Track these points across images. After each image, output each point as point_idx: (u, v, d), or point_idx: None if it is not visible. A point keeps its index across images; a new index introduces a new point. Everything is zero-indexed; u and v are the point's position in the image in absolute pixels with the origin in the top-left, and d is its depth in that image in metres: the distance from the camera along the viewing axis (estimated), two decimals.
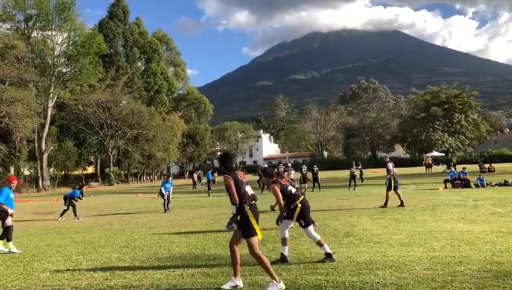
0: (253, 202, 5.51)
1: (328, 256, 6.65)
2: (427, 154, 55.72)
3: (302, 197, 7.07)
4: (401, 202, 13.72)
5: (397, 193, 13.97)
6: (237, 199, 5.34)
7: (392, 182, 13.94)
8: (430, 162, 45.38)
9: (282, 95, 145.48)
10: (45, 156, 50.34)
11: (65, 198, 15.75)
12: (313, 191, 24.45)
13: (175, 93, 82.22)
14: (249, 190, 5.57)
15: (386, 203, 13.95)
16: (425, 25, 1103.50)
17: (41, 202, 25.57)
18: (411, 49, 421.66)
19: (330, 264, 6.44)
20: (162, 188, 17.05)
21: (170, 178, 18.12)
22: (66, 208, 15.50)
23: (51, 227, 13.39)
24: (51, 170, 57.45)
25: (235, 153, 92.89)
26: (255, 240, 5.40)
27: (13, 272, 6.96)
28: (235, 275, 5.49)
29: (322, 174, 27.18)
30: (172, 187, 17.58)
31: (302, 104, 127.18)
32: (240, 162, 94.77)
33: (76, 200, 15.88)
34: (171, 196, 17.27)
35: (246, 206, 5.38)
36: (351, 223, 10.66)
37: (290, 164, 25.36)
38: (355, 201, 17.06)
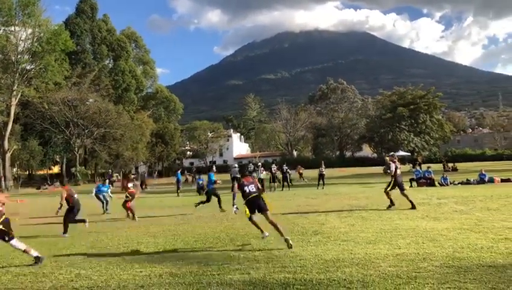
0: (251, 196, 8.26)
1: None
2: (392, 154, 56.89)
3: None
4: (412, 203, 12.51)
5: (404, 195, 12.80)
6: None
7: (392, 183, 12.82)
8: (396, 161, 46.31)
9: (253, 94, 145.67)
10: (8, 155, 48.77)
11: None
12: (282, 190, 24.63)
13: (143, 91, 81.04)
14: (250, 188, 8.35)
15: (392, 203, 12.78)
16: (394, 27, 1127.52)
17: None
18: (379, 51, 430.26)
19: (298, 262, 6.50)
20: (96, 191, 17.03)
21: (107, 182, 17.88)
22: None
23: (13, 228, 12.95)
24: (14, 169, 55.79)
25: (205, 153, 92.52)
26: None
27: None
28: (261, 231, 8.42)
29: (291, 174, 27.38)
30: (109, 190, 17.54)
31: (273, 103, 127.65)
32: (210, 162, 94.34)
33: None
34: (108, 198, 17.09)
35: (245, 199, 8.28)
36: (319, 222, 10.79)
37: (260, 163, 25.39)
38: (323, 200, 17.27)
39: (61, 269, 6.83)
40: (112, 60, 74.28)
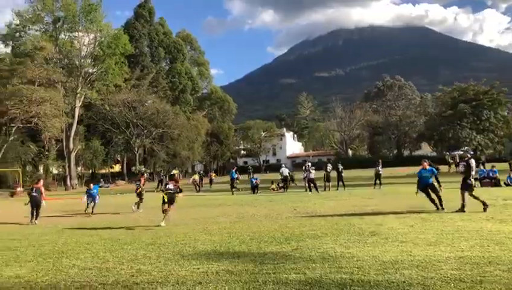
0: None
1: None
2: (453, 153, 54.45)
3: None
4: (462, 206, 11.78)
5: (472, 196, 11.79)
6: None
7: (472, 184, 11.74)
8: (458, 160, 44.15)
9: (306, 93, 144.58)
10: (73, 155, 51.50)
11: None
12: (337, 189, 24.29)
13: (199, 92, 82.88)
14: None
15: (463, 206, 11.81)
16: (455, 21, 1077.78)
17: (69, 200, 26.16)
18: (439, 45, 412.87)
19: (355, 262, 6.38)
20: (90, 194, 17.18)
21: (91, 185, 18.13)
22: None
23: (79, 225, 13.69)
24: (79, 168, 58.78)
25: (258, 152, 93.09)
26: None
27: (43, 268, 7.14)
28: None
29: (346, 173, 26.90)
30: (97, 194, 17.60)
31: (326, 102, 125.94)
32: (263, 161, 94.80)
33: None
34: (97, 201, 17.31)
35: None
36: (376, 222, 10.51)
37: (309, 163, 25.16)
38: (380, 200, 16.86)
39: (123, 265, 7.10)
40: (168, 62, 76.53)
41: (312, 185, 23.40)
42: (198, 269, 6.50)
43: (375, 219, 11.28)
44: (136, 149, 59.48)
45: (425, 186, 12.86)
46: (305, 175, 23.88)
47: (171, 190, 12.50)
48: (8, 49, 52.45)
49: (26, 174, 47.14)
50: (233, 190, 26.80)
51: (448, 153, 55.95)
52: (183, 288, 5.55)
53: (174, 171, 33.66)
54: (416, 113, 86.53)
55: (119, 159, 67.71)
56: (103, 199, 18.54)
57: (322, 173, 26.17)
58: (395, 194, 19.09)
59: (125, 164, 64.26)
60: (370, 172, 30.63)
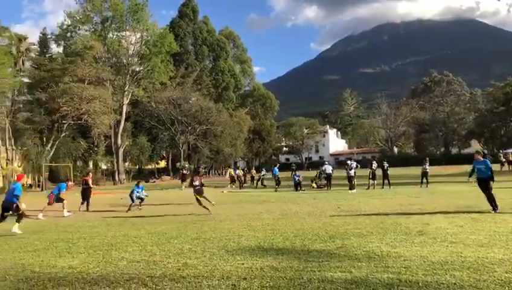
0: None
1: None
2: (506, 151, 52.05)
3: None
4: None
5: None
6: None
7: None
8: (511, 158, 42.19)
9: (350, 89, 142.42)
10: (121, 150, 53.23)
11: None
12: (382, 188, 23.81)
13: (241, 89, 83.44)
14: None
15: None
16: (509, 13, 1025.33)
17: (117, 194, 27.00)
18: (491, 39, 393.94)
19: (402, 262, 6.22)
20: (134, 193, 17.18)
21: (141, 183, 18.24)
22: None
23: (126, 219, 14.14)
24: (126, 164, 60.69)
25: (301, 149, 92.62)
26: None
27: (94, 260, 7.42)
28: None
29: (391, 171, 26.27)
30: (142, 191, 17.59)
31: (371, 98, 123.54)
32: (306, 158, 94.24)
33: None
34: (141, 199, 17.33)
35: None
36: (424, 222, 10.21)
37: (349, 161, 24.84)
38: (427, 199, 16.37)
39: (170, 258, 7.27)
40: (212, 60, 77.47)
41: (348, 182, 23.14)
42: (242, 264, 6.55)
43: (422, 218, 10.97)
44: (180, 145, 60.68)
45: (480, 180, 12.23)
46: (352, 172, 23.55)
47: (198, 186, 14.35)
48: (60, 49, 55.01)
49: (77, 169, 49.10)
50: (261, 186, 26.79)
51: (500, 151, 53.57)
52: (228, 283, 5.60)
53: (234, 170, 34.31)
54: (466, 109, 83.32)
55: (164, 155, 69.30)
56: (149, 194, 19.01)
57: (366, 171, 25.73)
58: (442, 193, 18.48)
59: (170, 160, 65.71)
60: (416, 170, 29.80)
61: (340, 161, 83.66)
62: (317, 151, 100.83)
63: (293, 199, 18.99)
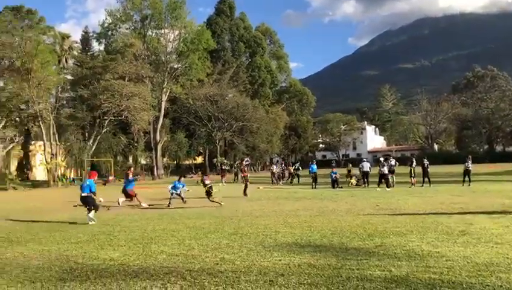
0: None
1: None
2: None
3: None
4: None
5: None
6: None
7: None
8: None
9: (389, 85, 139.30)
10: (159, 146, 54.26)
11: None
12: (422, 186, 23.21)
13: (278, 86, 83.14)
14: None
15: None
16: None
17: (156, 189, 27.54)
18: None
19: (445, 262, 6.06)
20: (172, 188, 17.20)
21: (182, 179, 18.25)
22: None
23: (165, 212, 14.41)
24: (165, 159, 61.85)
25: (338, 146, 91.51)
26: None
27: (134, 253, 7.60)
28: None
29: (432, 169, 25.55)
30: (184, 187, 17.60)
31: (410, 94, 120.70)
32: (343, 155, 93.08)
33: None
34: (182, 194, 17.31)
35: None
36: (466, 221, 9.89)
37: (381, 159, 24.43)
38: (470, 198, 15.84)
39: (208, 253, 7.36)
40: (248, 56, 77.57)
41: (383, 180, 22.76)
42: (280, 260, 6.54)
43: (464, 217, 10.63)
44: (217, 141, 61.21)
45: None
46: (385, 169, 23.13)
47: (209, 184, 15.91)
48: (101, 47, 56.65)
49: (117, 164, 50.47)
50: (314, 184, 26.63)
51: None
52: (266, 279, 5.61)
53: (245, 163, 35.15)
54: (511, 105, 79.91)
55: (201, 151, 70.13)
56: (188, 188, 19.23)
57: (406, 169, 25.20)
58: (485, 193, 17.84)
59: (207, 156, 66.44)
60: (458, 168, 28.88)
61: (378, 158, 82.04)
62: (354, 148, 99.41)
63: (330, 197, 18.81)
